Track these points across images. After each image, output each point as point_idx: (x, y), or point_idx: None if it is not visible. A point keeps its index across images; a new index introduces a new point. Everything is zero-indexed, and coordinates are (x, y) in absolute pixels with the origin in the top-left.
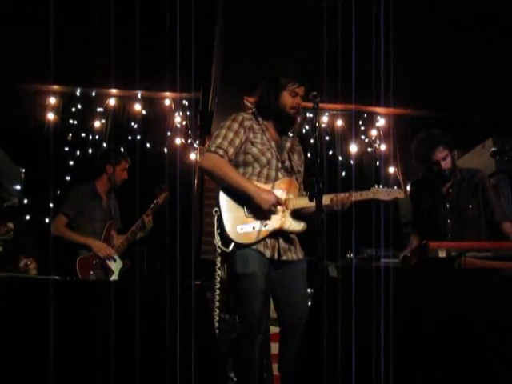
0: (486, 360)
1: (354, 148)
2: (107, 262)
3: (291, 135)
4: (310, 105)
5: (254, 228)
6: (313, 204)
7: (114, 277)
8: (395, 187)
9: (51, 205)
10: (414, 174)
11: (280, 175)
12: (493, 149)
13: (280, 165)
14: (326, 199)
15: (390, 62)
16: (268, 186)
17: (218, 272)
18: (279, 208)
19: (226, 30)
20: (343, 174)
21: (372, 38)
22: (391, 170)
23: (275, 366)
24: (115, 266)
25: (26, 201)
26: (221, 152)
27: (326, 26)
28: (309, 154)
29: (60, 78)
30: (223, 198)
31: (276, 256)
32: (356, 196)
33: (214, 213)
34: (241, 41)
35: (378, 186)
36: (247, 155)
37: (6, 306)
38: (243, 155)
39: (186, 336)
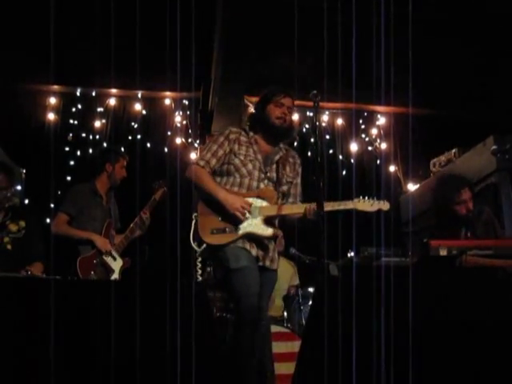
0: (487, 357)
1: (354, 147)
2: (107, 261)
3: (284, 148)
4: (311, 103)
5: (226, 231)
6: (285, 212)
7: (115, 276)
8: (378, 201)
9: (52, 205)
10: (414, 173)
11: (262, 185)
12: (494, 147)
13: (263, 175)
14: (301, 208)
15: (390, 61)
16: (249, 195)
17: (199, 272)
18: (248, 213)
19: (225, 30)
20: (344, 172)
21: (372, 36)
22: (392, 168)
23: (277, 365)
24: (115, 264)
25: (26, 201)
26: (202, 163)
27: (327, 25)
28: (309, 153)
29: (60, 78)
30: (201, 204)
31: (257, 255)
32: (333, 205)
33: (193, 217)
34: (240, 40)
35: (364, 197)
36: (229, 165)
37: (8, 305)
38: (226, 165)
39: (186, 334)
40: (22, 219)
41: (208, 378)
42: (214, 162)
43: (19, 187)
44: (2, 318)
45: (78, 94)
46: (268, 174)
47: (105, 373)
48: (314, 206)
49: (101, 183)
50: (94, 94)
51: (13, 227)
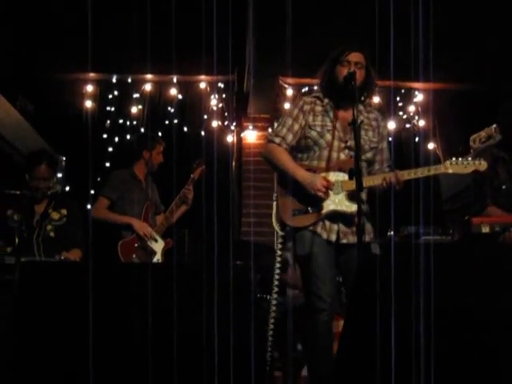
0: None
1: (392, 124)
2: (148, 243)
3: (366, 110)
4: None
5: (308, 211)
6: (367, 184)
7: (158, 257)
8: (473, 161)
9: (92, 191)
10: (454, 150)
11: (342, 155)
12: None
13: (343, 145)
14: (379, 178)
15: (428, 36)
16: (330, 168)
17: (279, 253)
18: (330, 191)
19: (259, 10)
20: None
21: (410, 11)
22: (431, 145)
23: None
24: (157, 246)
25: (67, 188)
26: (277, 140)
27: (363, 1)
28: None
29: (96, 65)
30: (280, 184)
31: (334, 239)
32: (422, 172)
33: (273, 198)
34: (275, 20)
35: (457, 158)
36: (307, 139)
37: (51, 289)
38: (304, 140)
39: (225, 315)
40: (64, 207)
41: (246, 360)
42: (290, 137)
43: (60, 175)
44: (44, 301)
45: (114, 80)
46: (348, 143)
47: (143, 355)
48: (392, 175)
49: (139, 169)
50: (129, 80)
51: (55, 215)
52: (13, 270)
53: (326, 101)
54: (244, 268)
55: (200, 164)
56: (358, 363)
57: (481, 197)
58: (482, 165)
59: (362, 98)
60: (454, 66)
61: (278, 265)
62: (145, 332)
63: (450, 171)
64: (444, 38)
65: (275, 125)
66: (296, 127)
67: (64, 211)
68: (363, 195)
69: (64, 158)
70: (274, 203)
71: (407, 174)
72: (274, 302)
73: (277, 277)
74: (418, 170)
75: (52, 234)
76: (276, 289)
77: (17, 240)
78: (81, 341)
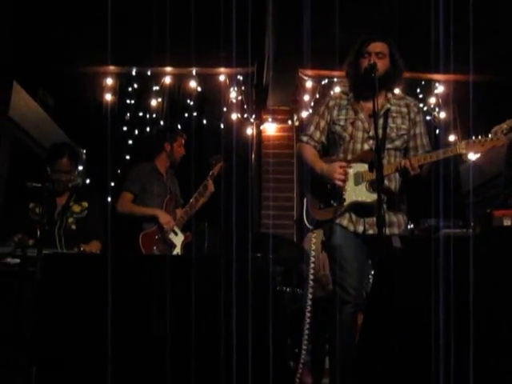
0: None
1: None
2: (169, 236)
3: (395, 97)
4: None
5: (332, 204)
6: (389, 171)
7: (177, 250)
8: (489, 136)
9: (112, 184)
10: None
11: (366, 146)
12: None
13: (367, 135)
14: (392, 167)
15: (449, 27)
16: (352, 160)
17: (313, 247)
18: (346, 176)
19: (279, 2)
20: None
21: (431, 2)
22: (451, 137)
23: None
24: (177, 239)
25: (88, 181)
26: (305, 138)
27: None
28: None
29: (116, 58)
30: (307, 179)
31: (361, 230)
32: (437, 155)
33: (304, 194)
34: (294, 12)
35: (476, 136)
36: (333, 134)
37: (72, 281)
38: (331, 135)
39: (245, 307)
40: (85, 200)
41: (264, 352)
42: (318, 134)
43: (81, 167)
44: (65, 292)
45: (133, 73)
46: (371, 133)
47: (161, 346)
48: (406, 161)
49: (160, 162)
50: (149, 73)
51: (76, 208)
52: (35, 262)
53: (351, 94)
54: (263, 260)
55: (219, 160)
56: (377, 356)
57: (509, 184)
58: (501, 140)
59: (390, 86)
60: (475, 56)
61: (312, 259)
62: (163, 324)
63: (465, 151)
64: (464, 28)
65: (295, 117)
66: (322, 124)
67: (85, 204)
68: (392, 185)
69: (85, 151)
70: (305, 200)
71: (423, 159)
72: (310, 297)
73: (312, 271)
74: (434, 154)
75: (73, 227)
76: (311, 283)
77: (39, 232)
78: (101, 332)
